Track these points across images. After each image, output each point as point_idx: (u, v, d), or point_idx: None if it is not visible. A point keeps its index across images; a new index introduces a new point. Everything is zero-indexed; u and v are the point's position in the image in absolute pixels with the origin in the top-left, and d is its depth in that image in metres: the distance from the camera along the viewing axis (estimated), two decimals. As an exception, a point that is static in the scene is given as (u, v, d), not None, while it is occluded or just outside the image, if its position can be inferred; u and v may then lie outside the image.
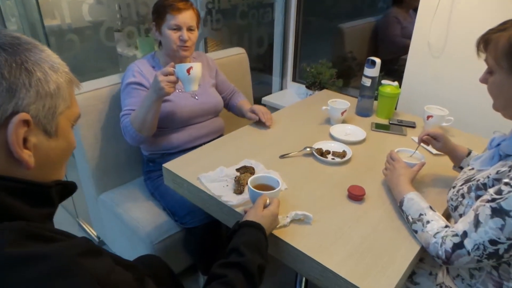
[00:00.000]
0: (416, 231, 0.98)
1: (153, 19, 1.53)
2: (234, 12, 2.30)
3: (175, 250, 1.55)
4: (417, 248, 0.96)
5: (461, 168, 1.21)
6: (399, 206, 1.06)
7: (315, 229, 1.01)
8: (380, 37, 2.36)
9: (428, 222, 0.95)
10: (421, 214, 0.98)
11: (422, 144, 1.26)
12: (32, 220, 0.55)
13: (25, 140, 0.55)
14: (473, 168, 1.02)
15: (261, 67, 2.74)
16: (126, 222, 1.56)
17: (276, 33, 2.60)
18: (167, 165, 1.28)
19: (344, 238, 0.98)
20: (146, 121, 1.40)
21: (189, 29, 1.50)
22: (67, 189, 0.65)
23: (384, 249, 0.95)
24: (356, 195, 1.11)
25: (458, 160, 1.23)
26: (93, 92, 1.54)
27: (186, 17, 1.48)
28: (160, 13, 1.49)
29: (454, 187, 1.01)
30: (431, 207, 0.99)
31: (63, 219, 2.18)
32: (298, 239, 0.97)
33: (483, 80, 0.94)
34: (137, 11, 1.92)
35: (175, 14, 1.46)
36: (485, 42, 0.89)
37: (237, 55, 2.05)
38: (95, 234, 2.01)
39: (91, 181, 1.66)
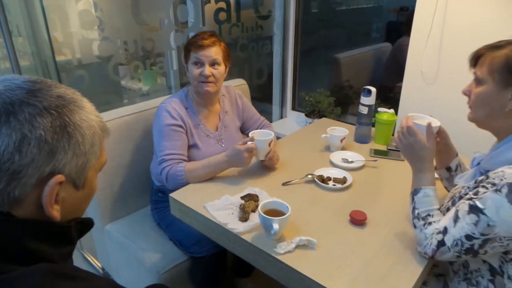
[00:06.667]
0: (415, 226, 1.02)
1: (184, 57, 1.57)
2: (234, 45, 2.40)
3: (180, 280, 1.56)
4: (420, 270, 0.98)
5: (448, 169, 1.22)
6: (411, 193, 1.05)
7: (319, 254, 1.04)
8: (388, 64, 2.41)
9: (430, 224, 0.98)
10: (428, 215, 1.00)
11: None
12: (54, 261, 0.56)
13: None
14: (458, 186, 1.07)
15: (261, 97, 2.82)
16: (132, 252, 1.58)
17: (275, 64, 2.70)
18: (174, 195, 1.32)
19: (348, 262, 1.01)
20: (203, 179, 1.41)
21: (213, 63, 1.50)
22: (85, 225, 0.67)
23: (387, 273, 0.98)
24: (358, 220, 1.15)
25: (446, 160, 1.21)
26: (100, 125, 1.59)
27: (209, 53, 1.48)
28: (186, 51, 1.53)
29: (442, 205, 1.07)
30: (439, 209, 1.02)
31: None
32: (303, 264, 1.00)
33: (467, 91, 1.00)
34: (142, 46, 2.01)
35: (197, 51, 1.48)
36: (479, 56, 0.97)
37: (239, 86, 2.12)
38: (100, 265, 2.02)
39: (97, 212, 1.69)
